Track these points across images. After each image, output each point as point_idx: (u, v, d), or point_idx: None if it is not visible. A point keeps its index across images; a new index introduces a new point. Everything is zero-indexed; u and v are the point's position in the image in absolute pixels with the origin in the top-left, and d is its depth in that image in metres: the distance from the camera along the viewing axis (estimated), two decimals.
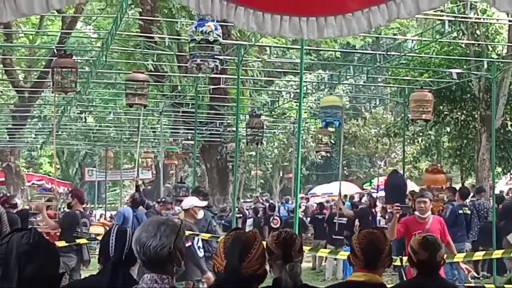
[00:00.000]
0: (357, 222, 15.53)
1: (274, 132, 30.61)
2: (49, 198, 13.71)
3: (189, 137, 25.81)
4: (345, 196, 22.68)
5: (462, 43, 18.30)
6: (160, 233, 3.07)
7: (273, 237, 3.84)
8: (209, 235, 9.93)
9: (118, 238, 4.02)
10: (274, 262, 3.69)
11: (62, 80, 11.91)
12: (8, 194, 20.26)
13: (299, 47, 11.87)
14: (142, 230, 3.12)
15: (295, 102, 22.90)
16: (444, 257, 4.67)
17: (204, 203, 10.41)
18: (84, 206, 11.88)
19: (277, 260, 3.70)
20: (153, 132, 29.77)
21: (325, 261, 17.95)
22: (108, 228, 7.18)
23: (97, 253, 4.30)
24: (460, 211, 13.68)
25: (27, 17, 23.52)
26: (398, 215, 8.48)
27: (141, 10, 19.32)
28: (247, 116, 20.66)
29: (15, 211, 13.39)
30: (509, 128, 20.38)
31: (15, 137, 29.28)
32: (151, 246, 3.05)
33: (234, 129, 16.16)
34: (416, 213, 8.77)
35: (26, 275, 2.46)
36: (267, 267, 3.55)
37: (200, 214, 9.75)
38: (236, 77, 14.45)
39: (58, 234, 10.86)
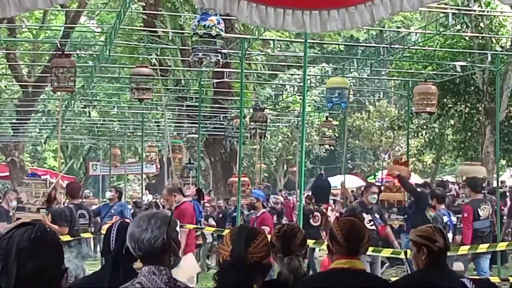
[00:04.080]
0: None
1: (278, 126, 30.59)
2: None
3: (193, 131, 25.81)
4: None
5: (466, 35, 18.27)
6: (151, 226, 3.14)
7: (275, 230, 3.88)
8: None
9: (118, 233, 4.02)
10: (276, 255, 3.72)
11: (61, 80, 11.96)
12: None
13: (303, 40, 11.87)
14: (134, 226, 3.19)
15: (299, 95, 22.86)
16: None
17: None
18: (80, 199, 11.75)
19: (278, 253, 3.73)
20: (157, 126, 29.78)
21: None
22: None
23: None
24: None
25: (30, 12, 23.54)
26: None
27: (144, 4, 19.29)
28: (251, 110, 20.65)
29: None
30: None
31: (19, 132, 29.30)
32: (145, 240, 3.12)
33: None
34: None
35: (25, 271, 2.45)
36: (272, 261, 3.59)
37: None
38: (240, 71, 14.44)
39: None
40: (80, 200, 11.82)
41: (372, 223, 11.41)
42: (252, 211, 12.96)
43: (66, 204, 11.05)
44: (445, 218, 10.99)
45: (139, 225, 3.16)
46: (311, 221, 16.27)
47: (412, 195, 13.60)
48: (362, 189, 14.78)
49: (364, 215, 11.49)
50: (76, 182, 14.69)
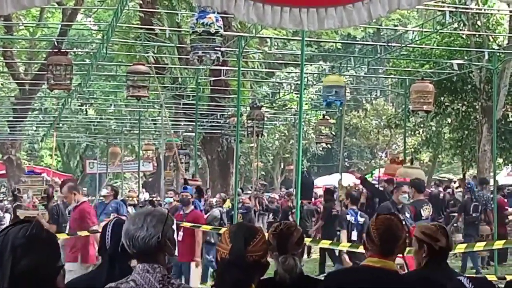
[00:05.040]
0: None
1: (275, 124, 30.59)
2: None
3: (190, 129, 25.79)
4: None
5: (463, 34, 18.25)
6: (147, 224, 3.14)
7: (271, 228, 3.87)
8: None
9: (114, 230, 3.97)
10: (272, 253, 3.70)
11: (57, 78, 11.93)
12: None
13: (300, 38, 11.86)
14: (130, 223, 3.19)
15: (296, 93, 22.87)
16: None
17: None
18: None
19: (274, 252, 3.72)
20: (154, 124, 29.77)
21: None
22: None
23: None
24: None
25: (27, 10, 23.50)
26: None
27: (141, 2, 19.29)
28: (248, 108, 20.64)
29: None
30: (510, 119, 20.35)
31: (16, 130, 29.27)
32: (140, 238, 3.12)
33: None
34: None
35: (20, 268, 2.44)
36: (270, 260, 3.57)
37: None
38: (237, 68, 14.44)
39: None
40: None
41: (404, 223, 11.18)
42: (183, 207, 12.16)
43: (55, 202, 11.00)
44: (349, 217, 11.27)
45: (135, 223, 3.16)
46: (290, 217, 16.31)
47: (374, 193, 13.72)
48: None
49: None
50: (70, 180, 14.52)
